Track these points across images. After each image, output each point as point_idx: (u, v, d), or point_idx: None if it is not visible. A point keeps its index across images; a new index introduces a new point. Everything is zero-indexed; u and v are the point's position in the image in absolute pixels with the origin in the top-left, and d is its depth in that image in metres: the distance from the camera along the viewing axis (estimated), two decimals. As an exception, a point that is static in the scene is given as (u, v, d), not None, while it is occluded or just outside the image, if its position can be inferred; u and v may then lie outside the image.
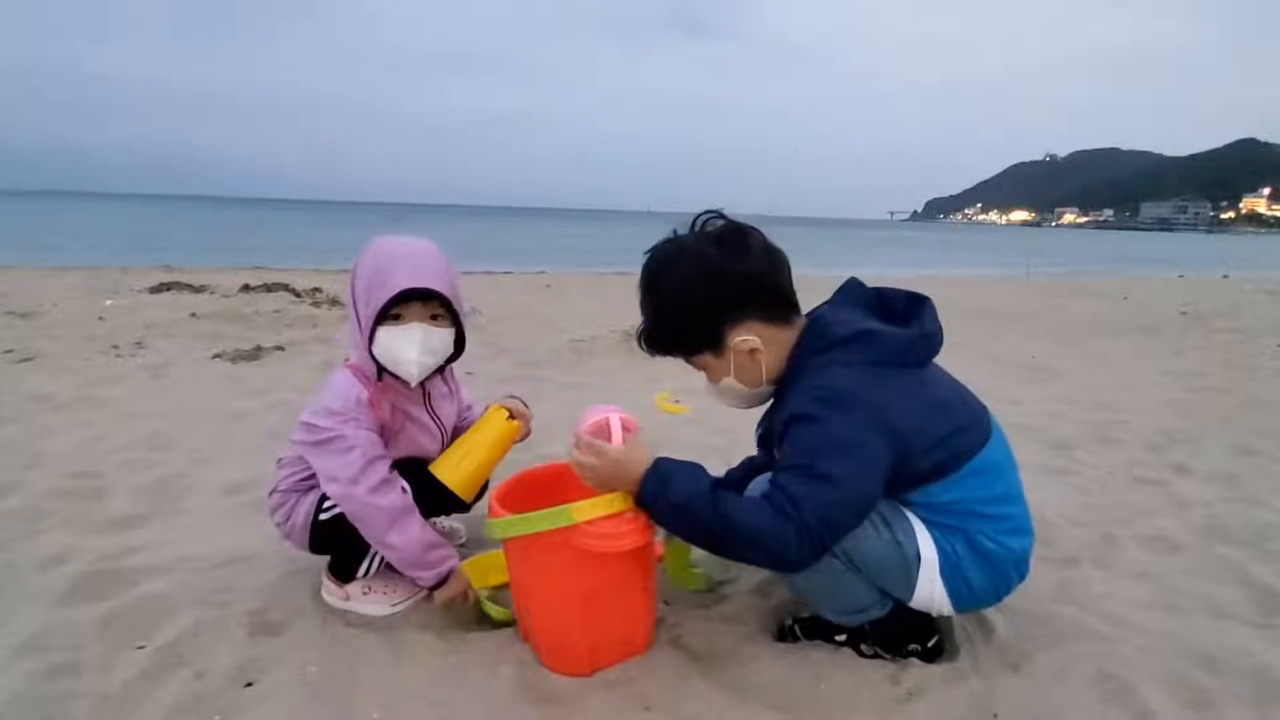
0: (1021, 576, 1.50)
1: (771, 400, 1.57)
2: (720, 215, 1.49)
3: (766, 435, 1.60)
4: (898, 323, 1.49)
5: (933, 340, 1.46)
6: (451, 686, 1.46)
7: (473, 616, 1.70)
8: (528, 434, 1.86)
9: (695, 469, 1.39)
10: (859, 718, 1.38)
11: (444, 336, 1.68)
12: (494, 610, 1.68)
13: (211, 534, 2.10)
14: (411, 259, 1.62)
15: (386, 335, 1.61)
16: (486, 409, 1.82)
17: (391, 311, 1.61)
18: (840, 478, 1.29)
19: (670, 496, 1.34)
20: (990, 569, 1.43)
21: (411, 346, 1.63)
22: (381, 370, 1.67)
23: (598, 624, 1.48)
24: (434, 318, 1.66)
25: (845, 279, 1.59)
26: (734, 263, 1.43)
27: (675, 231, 1.50)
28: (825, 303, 1.56)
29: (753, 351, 1.45)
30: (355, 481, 1.56)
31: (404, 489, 1.63)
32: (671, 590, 1.80)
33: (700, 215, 1.50)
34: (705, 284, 1.43)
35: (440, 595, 1.64)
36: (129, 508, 2.29)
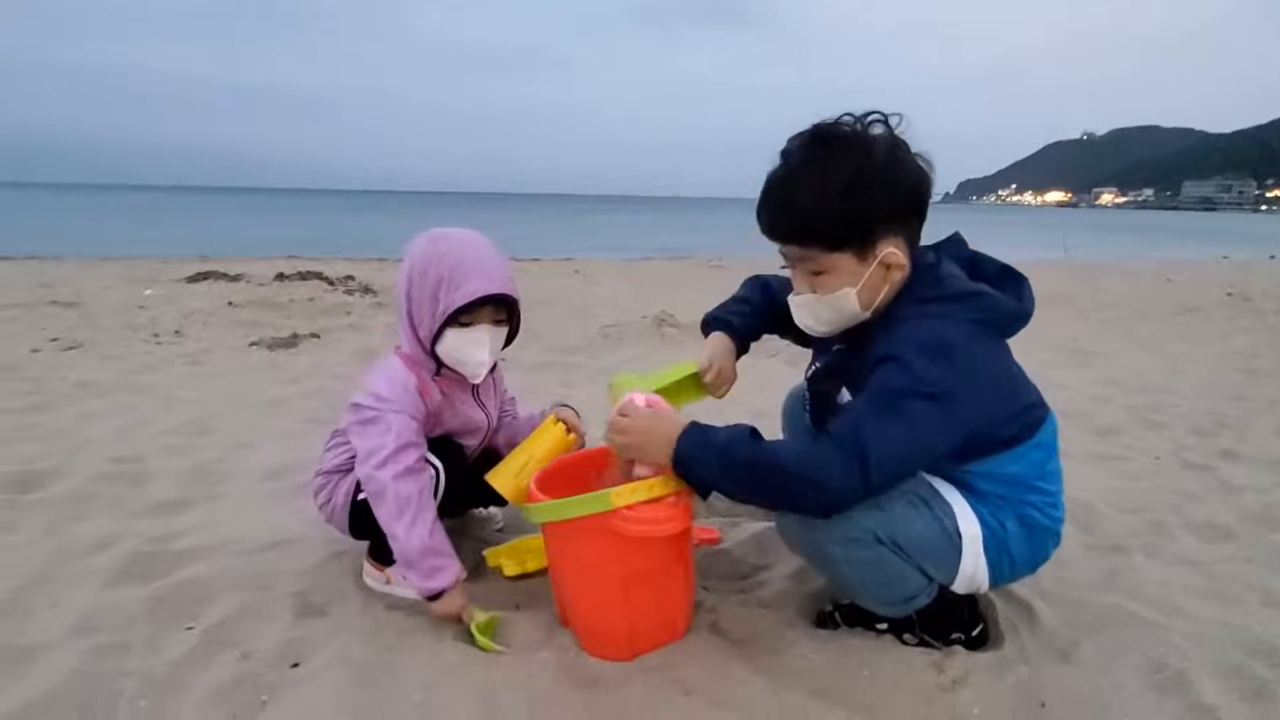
0: (1056, 544, 1.49)
1: (832, 351, 1.54)
2: (885, 120, 1.36)
3: (821, 395, 1.56)
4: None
5: (1028, 320, 1.41)
6: (492, 670, 1.46)
7: (508, 600, 1.71)
8: (581, 447, 1.83)
9: (733, 425, 1.37)
10: (902, 706, 1.36)
11: (503, 335, 1.73)
12: (485, 643, 1.54)
13: (253, 518, 2.14)
14: (483, 264, 1.62)
15: (457, 338, 1.64)
16: (543, 419, 1.80)
17: (462, 318, 1.62)
18: (917, 420, 1.25)
19: (711, 443, 1.32)
20: (1034, 540, 1.44)
21: (481, 350, 1.67)
22: (440, 365, 1.69)
23: (637, 609, 1.47)
24: (497, 321, 1.69)
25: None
26: (908, 173, 1.35)
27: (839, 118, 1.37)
28: (929, 248, 1.46)
29: (890, 269, 1.37)
30: (384, 464, 1.56)
31: (432, 476, 1.62)
32: (710, 575, 1.79)
33: (867, 113, 1.36)
34: (883, 184, 1.32)
35: (435, 608, 1.58)
36: (172, 492, 2.33)
